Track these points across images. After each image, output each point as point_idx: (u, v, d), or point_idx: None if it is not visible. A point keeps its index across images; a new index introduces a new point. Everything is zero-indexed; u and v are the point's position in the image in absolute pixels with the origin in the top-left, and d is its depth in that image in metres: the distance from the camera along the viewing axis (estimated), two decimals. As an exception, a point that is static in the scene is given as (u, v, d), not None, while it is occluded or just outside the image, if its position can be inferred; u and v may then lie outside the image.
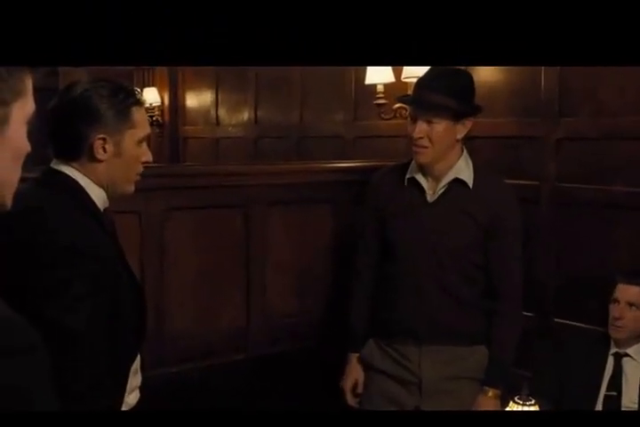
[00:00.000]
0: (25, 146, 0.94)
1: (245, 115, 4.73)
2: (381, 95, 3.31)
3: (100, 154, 1.50)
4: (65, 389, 0.98)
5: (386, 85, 3.30)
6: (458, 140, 2.16)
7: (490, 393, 2.17)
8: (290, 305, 2.75)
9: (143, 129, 1.57)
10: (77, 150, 1.51)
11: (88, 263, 1.40)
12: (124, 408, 1.56)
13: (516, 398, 1.84)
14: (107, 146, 1.50)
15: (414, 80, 2.36)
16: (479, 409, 2.16)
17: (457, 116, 2.11)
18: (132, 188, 1.61)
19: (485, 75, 3.03)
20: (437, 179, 2.19)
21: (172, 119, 5.45)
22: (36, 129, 1.02)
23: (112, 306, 1.46)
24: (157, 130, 5.38)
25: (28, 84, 0.92)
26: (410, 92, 2.63)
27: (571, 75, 2.79)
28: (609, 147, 2.70)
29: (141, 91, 2.32)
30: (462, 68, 2.25)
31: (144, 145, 1.59)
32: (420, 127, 2.11)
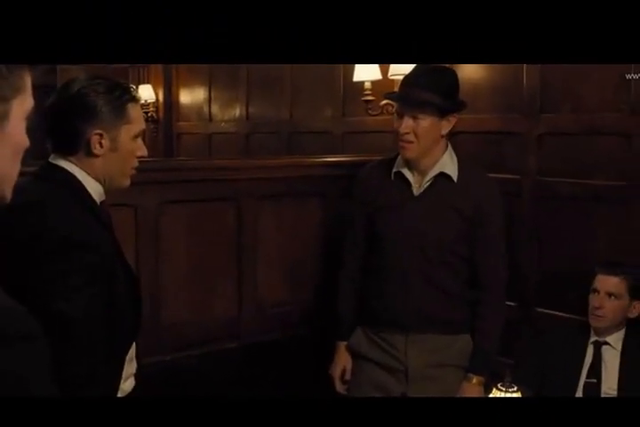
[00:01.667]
0: (24, 141, 0.94)
1: (237, 111, 4.71)
2: (369, 92, 3.31)
3: (96, 149, 1.52)
4: (62, 376, 0.98)
5: (373, 83, 3.30)
6: (443, 136, 2.19)
7: (474, 380, 2.22)
8: (281, 295, 2.76)
9: (138, 125, 1.59)
10: (75, 145, 1.53)
11: (85, 255, 1.42)
12: (119, 395, 1.58)
13: (498, 385, 1.83)
14: (103, 141, 1.52)
15: (400, 77, 2.39)
16: (463, 396, 2.20)
17: (442, 113, 2.14)
18: (127, 181, 1.63)
19: (469, 72, 3.04)
20: (423, 173, 2.22)
21: (167, 115, 5.43)
22: (35, 125, 1.05)
23: (109, 296, 1.47)
24: (152, 126, 5.37)
25: (28, 81, 0.93)
26: (396, 89, 2.64)
27: (551, 72, 2.81)
28: (588, 142, 2.73)
29: (137, 88, 2.34)
30: (447, 65, 2.28)
31: (139, 140, 1.61)
32: (407, 123, 2.14)
